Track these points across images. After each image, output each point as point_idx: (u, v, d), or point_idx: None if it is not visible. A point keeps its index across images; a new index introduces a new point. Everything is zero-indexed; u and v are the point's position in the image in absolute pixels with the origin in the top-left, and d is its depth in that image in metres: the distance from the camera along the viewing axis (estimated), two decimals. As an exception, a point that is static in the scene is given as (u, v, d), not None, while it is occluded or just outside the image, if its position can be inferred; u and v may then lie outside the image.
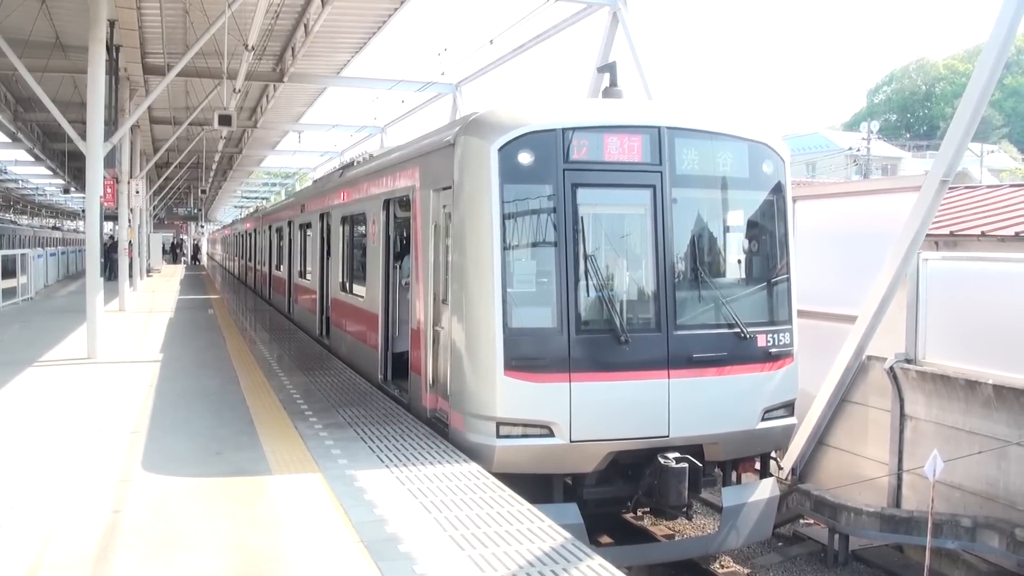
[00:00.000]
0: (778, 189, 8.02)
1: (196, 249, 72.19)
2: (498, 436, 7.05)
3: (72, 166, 35.84)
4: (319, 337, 14.66)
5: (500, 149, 7.17)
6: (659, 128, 7.50)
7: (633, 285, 7.62)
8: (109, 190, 20.47)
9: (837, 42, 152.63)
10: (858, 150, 52.98)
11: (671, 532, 9.55)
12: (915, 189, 9.56)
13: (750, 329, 7.60)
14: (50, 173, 44.37)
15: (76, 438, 7.68)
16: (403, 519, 5.51)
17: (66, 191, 48.44)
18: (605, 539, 8.37)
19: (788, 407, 7.91)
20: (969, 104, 8.88)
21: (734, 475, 8.11)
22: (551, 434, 7.06)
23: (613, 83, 8.67)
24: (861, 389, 10.00)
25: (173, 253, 63.16)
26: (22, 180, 55.26)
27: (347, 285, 12.79)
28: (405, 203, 9.50)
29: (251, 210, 51.37)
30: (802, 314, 8.42)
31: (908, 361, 9.38)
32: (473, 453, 7.08)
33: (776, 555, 9.60)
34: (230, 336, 15.17)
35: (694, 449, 7.32)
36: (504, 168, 7.17)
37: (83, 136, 12.66)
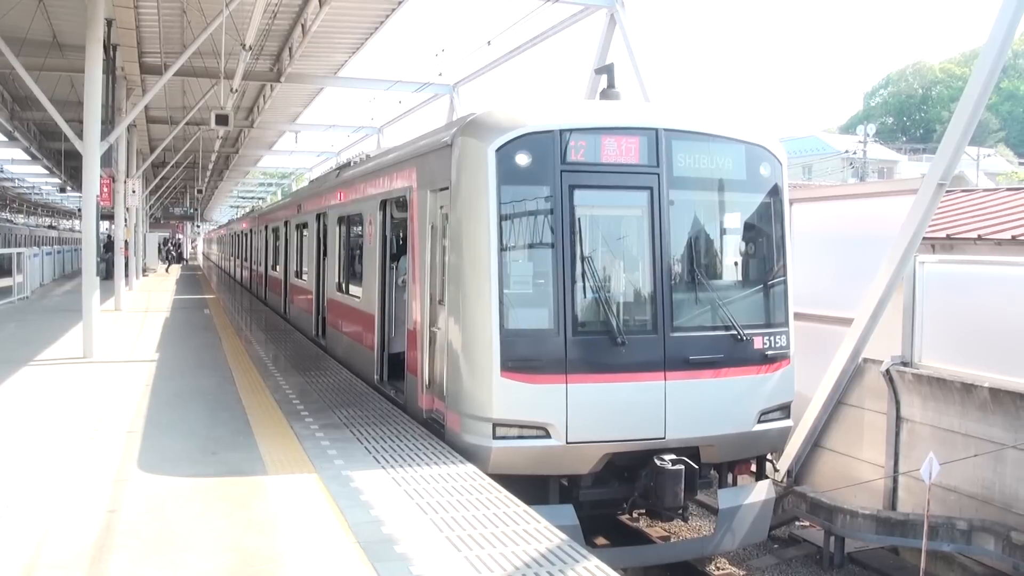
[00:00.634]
0: (775, 191, 8.03)
1: (178, 246, 64.09)
2: (494, 437, 7.05)
3: (68, 165, 35.79)
4: (315, 337, 14.64)
5: (497, 150, 7.17)
6: (656, 130, 7.51)
7: (630, 287, 7.62)
8: (105, 189, 20.43)
9: (834, 45, 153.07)
10: (854, 153, 53.08)
11: (667, 534, 9.54)
12: (912, 192, 9.57)
13: (747, 331, 7.60)
14: (46, 172, 44.21)
15: (72, 437, 7.66)
16: (399, 520, 5.50)
17: (62, 190, 48.42)
18: (601, 540, 8.38)
19: (784, 409, 7.91)
20: (966, 108, 8.89)
21: (730, 477, 8.12)
22: (547, 435, 7.05)
23: (611, 84, 8.68)
24: (857, 392, 10.01)
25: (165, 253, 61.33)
26: (18, 179, 55.14)
27: (343, 285, 12.78)
28: (402, 204, 9.49)
29: (247, 210, 51.30)
30: (799, 316, 8.43)
31: (904, 364, 9.40)
32: (469, 454, 7.07)
33: (772, 557, 9.61)
34: (226, 336, 15.15)
35: (690, 451, 7.33)
36: (501, 169, 7.17)
37: (80, 135, 12.64)
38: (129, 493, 6.06)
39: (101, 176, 13.67)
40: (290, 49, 19.43)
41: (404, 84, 23.11)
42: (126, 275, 23.15)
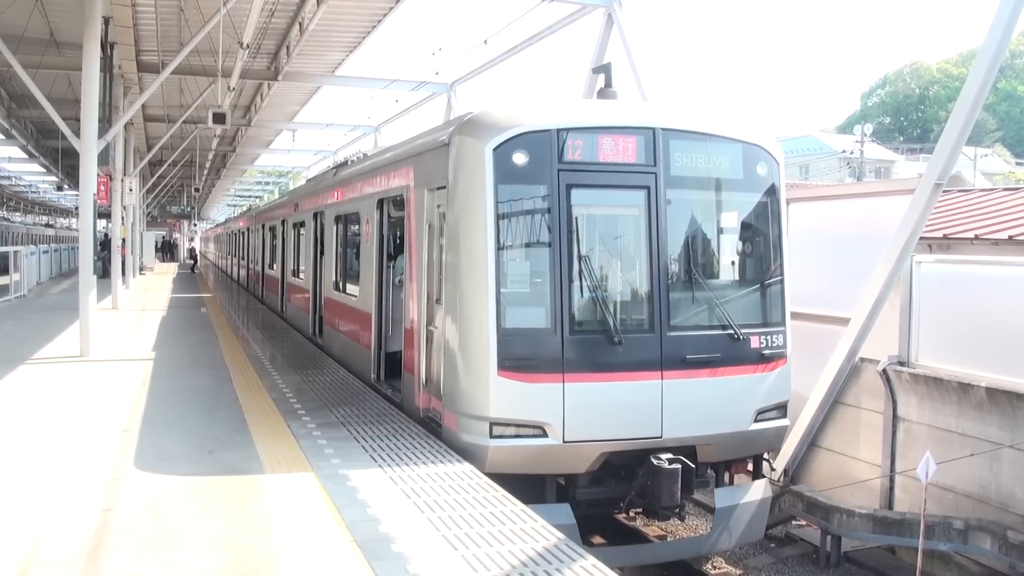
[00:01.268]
0: (772, 191, 8.03)
1: (168, 244, 63.45)
2: (491, 436, 7.04)
3: (65, 163, 35.74)
4: (312, 336, 14.63)
5: (495, 149, 7.17)
6: (654, 129, 7.51)
7: (627, 286, 7.62)
8: (103, 187, 20.49)
9: (831, 44, 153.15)
10: (851, 153, 53.16)
11: (663, 533, 9.55)
12: (909, 192, 9.59)
13: (743, 330, 7.60)
14: (43, 170, 44.22)
15: (68, 436, 7.65)
16: (396, 519, 5.50)
17: (59, 188, 48.33)
18: (598, 539, 8.38)
19: (781, 408, 7.92)
20: (963, 108, 8.90)
21: (727, 476, 8.12)
22: (544, 434, 7.06)
23: (608, 84, 8.67)
24: (854, 391, 10.02)
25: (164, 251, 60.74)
26: (15, 177, 55.10)
27: (340, 284, 12.77)
28: (399, 202, 9.48)
29: (244, 208, 51.24)
30: (795, 316, 8.44)
31: (901, 363, 9.41)
32: (466, 453, 7.07)
33: (768, 556, 9.61)
34: (223, 334, 15.14)
35: (687, 450, 7.33)
36: (499, 168, 7.17)
37: (77, 133, 12.63)
38: (125, 491, 6.05)
39: (98, 174, 13.68)
40: (287, 47, 19.42)
41: (401, 83, 23.13)
42: (123, 273, 23.14)
